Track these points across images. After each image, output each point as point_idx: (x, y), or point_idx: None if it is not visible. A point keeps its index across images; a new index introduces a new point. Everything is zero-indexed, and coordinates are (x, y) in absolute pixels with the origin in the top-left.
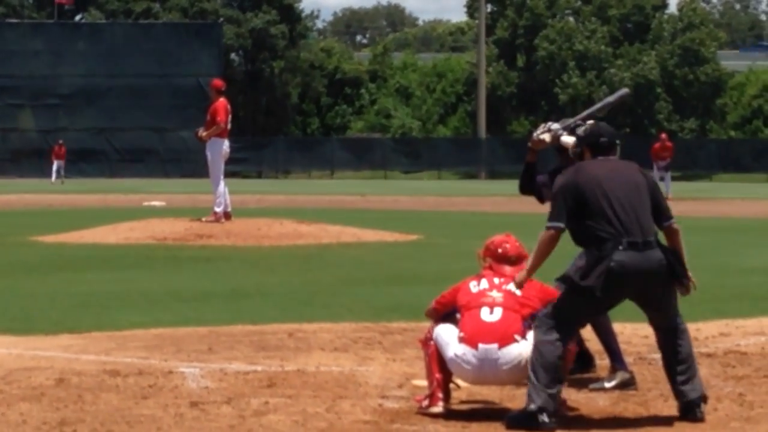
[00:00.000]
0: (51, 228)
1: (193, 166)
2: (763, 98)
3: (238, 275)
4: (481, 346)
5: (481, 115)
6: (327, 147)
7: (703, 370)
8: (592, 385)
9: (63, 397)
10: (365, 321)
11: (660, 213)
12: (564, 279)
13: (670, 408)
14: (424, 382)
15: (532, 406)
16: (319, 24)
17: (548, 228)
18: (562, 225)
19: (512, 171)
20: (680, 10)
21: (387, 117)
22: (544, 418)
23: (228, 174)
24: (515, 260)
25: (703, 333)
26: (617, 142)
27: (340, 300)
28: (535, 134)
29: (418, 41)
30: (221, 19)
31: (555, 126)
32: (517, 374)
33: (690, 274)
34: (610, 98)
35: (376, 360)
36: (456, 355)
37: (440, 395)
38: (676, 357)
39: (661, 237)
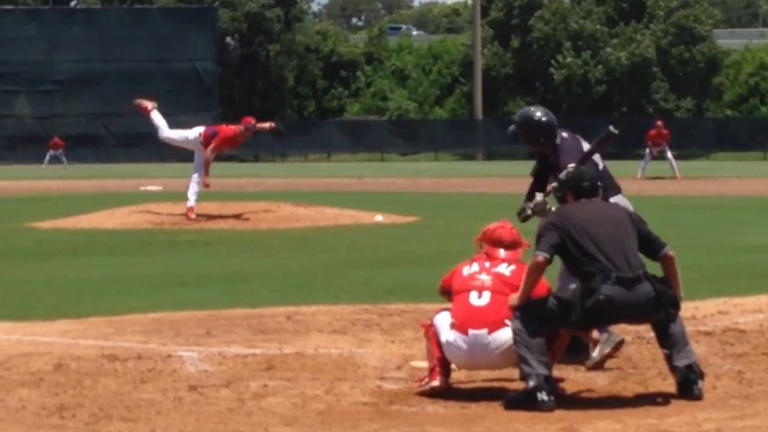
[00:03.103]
0: (48, 214)
1: (189, 150)
2: (759, 76)
3: (236, 259)
4: (471, 331)
5: (478, 96)
6: (323, 130)
7: (702, 348)
8: (587, 362)
9: (62, 382)
10: (363, 303)
11: (651, 244)
12: (557, 298)
13: (669, 386)
14: (423, 364)
15: (531, 383)
16: (315, 7)
17: (536, 256)
18: (548, 256)
19: (509, 152)
20: None
21: (383, 99)
22: (543, 396)
23: (225, 158)
24: (509, 245)
25: (702, 311)
26: (599, 184)
27: (338, 282)
28: (526, 211)
29: (414, 23)
30: (216, 2)
31: (538, 199)
32: (509, 358)
33: (682, 295)
34: (593, 145)
35: (375, 342)
36: (448, 342)
37: (439, 370)
38: (668, 337)
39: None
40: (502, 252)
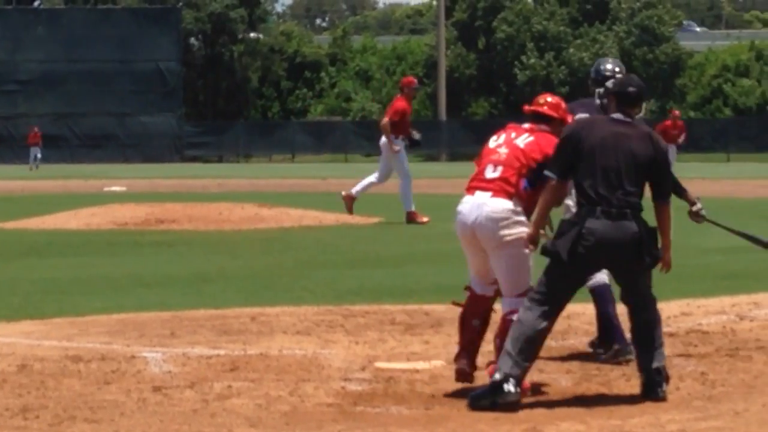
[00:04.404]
0: (12, 214)
1: (153, 150)
2: (722, 78)
3: (199, 260)
4: (477, 192)
5: (441, 97)
6: (287, 131)
7: (666, 349)
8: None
9: (25, 383)
10: (327, 304)
11: (655, 189)
12: (542, 249)
13: (633, 388)
14: (387, 365)
15: (497, 376)
16: (279, 8)
17: (548, 178)
18: (554, 176)
19: (473, 153)
20: None
21: (347, 100)
22: (510, 387)
23: (188, 159)
24: (539, 117)
25: (665, 312)
26: (643, 98)
27: (302, 283)
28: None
29: (378, 24)
30: (180, 3)
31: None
32: (491, 229)
33: (669, 254)
34: None
35: (339, 343)
36: (458, 210)
37: (464, 354)
38: (642, 331)
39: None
40: (527, 124)
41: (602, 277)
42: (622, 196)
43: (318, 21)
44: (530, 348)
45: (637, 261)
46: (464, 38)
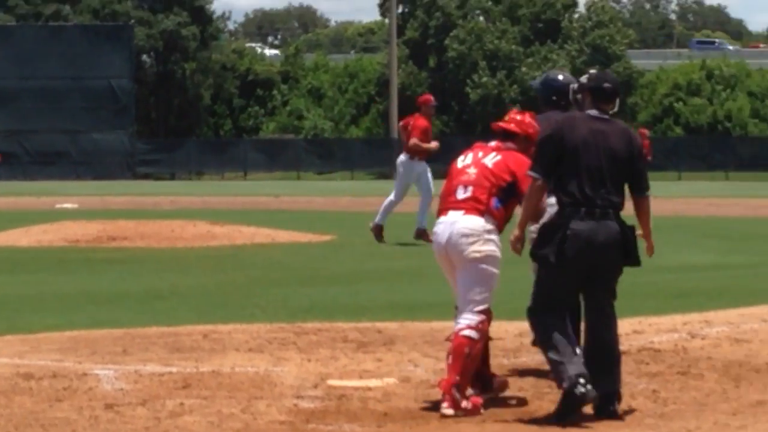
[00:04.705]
0: None
1: (105, 168)
2: (673, 97)
3: (152, 277)
4: (450, 212)
5: (393, 115)
6: (240, 148)
7: None
8: None
9: None
10: (280, 321)
11: (639, 182)
12: (531, 254)
13: (586, 406)
14: (339, 382)
15: (564, 385)
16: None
17: (532, 178)
18: (539, 176)
19: None
20: (588, 8)
21: (299, 118)
22: (581, 388)
23: (141, 176)
24: (506, 136)
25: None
26: (618, 93)
27: (254, 301)
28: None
29: (330, 42)
30: (132, 20)
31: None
32: (463, 244)
33: (651, 240)
34: None
35: (291, 360)
36: (434, 231)
37: (475, 383)
38: (598, 345)
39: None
40: (493, 142)
41: None
42: (605, 196)
43: (270, 39)
44: (568, 345)
45: (620, 260)
46: (416, 56)
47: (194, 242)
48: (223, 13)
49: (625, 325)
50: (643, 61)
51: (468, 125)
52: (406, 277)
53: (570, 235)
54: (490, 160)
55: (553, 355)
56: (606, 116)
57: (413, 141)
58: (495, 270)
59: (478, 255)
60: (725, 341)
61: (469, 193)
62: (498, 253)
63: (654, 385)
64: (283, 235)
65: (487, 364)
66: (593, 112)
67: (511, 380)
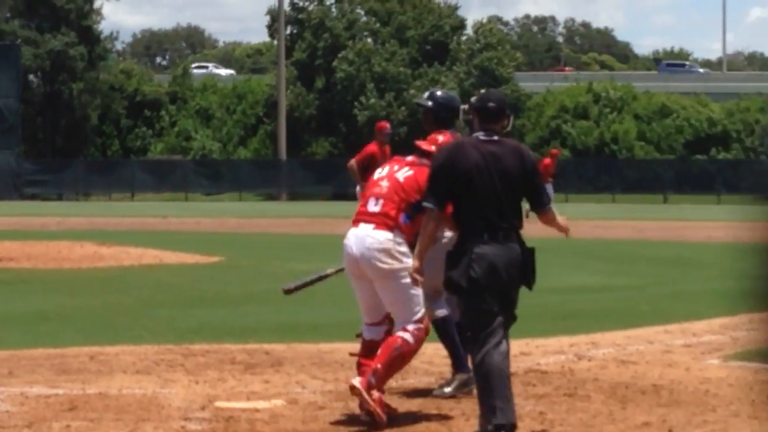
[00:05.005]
0: None
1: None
2: (560, 119)
3: (38, 298)
4: (361, 225)
5: (282, 136)
6: (127, 169)
7: None
8: (435, 392)
9: None
10: (167, 343)
11: (538, 197)
12: (444, 284)
13: (472, 426)
14: (227, 404)
15: (489, 428)
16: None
17: (425, 207)
18: (433, 206)
19: (312, 193)
20: (476, 30)
21: (187, 139)
22: None
23: (27, 196)
24: (423, 153)
25: None
26: (507, 112)
27: (142, 322)
28: None
29: (218, 62)
30: (19, 40)
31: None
32: (375, 258)
33: (564, 222)
34: (330, 271)
35: (179, 382)
36: (344, 243)
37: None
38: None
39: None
40: (409, 158)
41: (443, 310)
42: (505, 219)
43: (158, 59)
44: (507, 388)
45: (523, 282)
46: (304, 78)
47: (81, 263)
48: (111, 33)
49: (512, 347)
50: (531, 84)
51: (356, 147)
52: (293, 299)
53: (475, 258)
54: (403, 174)
55: (483, 394)
56: (495, 137)
57: (350, 162)
58: (409, 280)
59: (391, 269)
60: (612, 363)
61: (379, 207)
62: (410, 265)
63: (541, 406)
64: (171, 257)
65: None
66: (481, 134)
67: (399, 402)
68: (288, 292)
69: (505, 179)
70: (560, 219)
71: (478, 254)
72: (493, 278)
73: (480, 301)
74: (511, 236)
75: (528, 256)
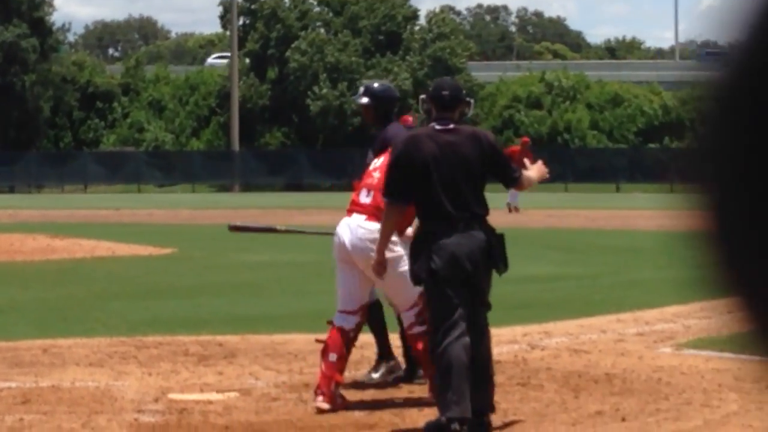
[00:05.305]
0: None
1: None
2: (513, 109)
3: None
4: (354, 215)
5: (234, 127)
6: (80, 161)
7: None
8: (363, 378)
9: None
10: (120, 335)
11: (504, 177)
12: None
13: (425, 417)
14: (180, 396)
15: (443, 419)
16: (71, 37)
17: (384, 201)
18: (392, 200)
19: (266, 183)
20: (429, 20)
21: (140, 131)
22: (456, 426)
23: None
24: None
25: None
26: (468, 99)
27: (94, 315)
28: None
29: (171, 54)
30: None
31: None
32: (366, 249)
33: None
34: (280, 227)
35: (132, 374)
36: (336, 231)
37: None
38: (478, 368)
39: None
40: None
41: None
42: (466, 208)
43: (110, 51)
44: (465, 380)
45: (491, 266)
46: (257, 68)
47: (34, 256)
48: (63, 25)
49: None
50: (484, 73)
51: (309, 137)
52: (247, 290)
53: (435, 249)
54: None
55: (441, 385)
56: (451, 125)
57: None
58: (406, 268)
59: (388, 257)
60: (565, 352)
61: (370, 199)
62: (402, 252)
63: (495, 396)
64: (124, 249)
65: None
66: (437, 124)
67: (352, 393)
68: (233, 228)
69: (464, 168)
70: (533, 173)
71: (439, 245)
72: (455, 268)
73: (441, 293)
74: (473, 225)
75: (496, 242)
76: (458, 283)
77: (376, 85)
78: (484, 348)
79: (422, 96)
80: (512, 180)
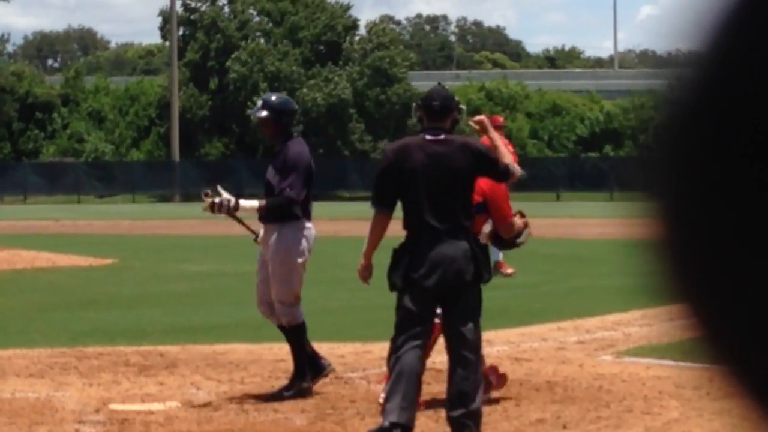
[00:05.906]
0: None
1: None
2: None
3: None
4: None
5: (175, 138)
6: (19, 172)
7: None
8: (276, 394)
9: None
10: (61, 346)
11: (496, 175)
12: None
13: (367, 425)
14: (121, 407)
15: (385, 424)
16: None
17: (371, 208)
18: (379, 208)
19: None
20: (369, 30)
21: (80, 141)
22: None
23: None
24: None
25: None
26: (461, 107)
27: (35, 325)
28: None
29: (110, 65)
30: None
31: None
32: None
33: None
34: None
35: (73, 385)
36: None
37: None
38: (460, 369)
39: None
40: None
41: (301, 316)
42: (450, 218)
43: (50, 61)
44: (412, 389)
45: (473, 275)
46: (197, 79)
47: None
48: (2, 35)
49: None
50: (424, 83)
51: (249, 147)
52: (187, 301)
53: (415, 258)
54: None
55: (390, 389)
56: (442, 136)
57: None
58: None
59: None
60: (506, 360)
61: None
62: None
63: (436, 405)
64: (64, 259)
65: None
66: (428, 134)
67: (294, 402)
68: (206, 195)
69: (452, 178)
70: (496, 142)
71: (420, 254)
72: (435, 278)
73: (411, 301)
74: (457, 235)
75: (477, 252)
76: (436, 292)
77: (273, 98)
78: (470, 355)
79: (414, 104)
80: (504, 176)
